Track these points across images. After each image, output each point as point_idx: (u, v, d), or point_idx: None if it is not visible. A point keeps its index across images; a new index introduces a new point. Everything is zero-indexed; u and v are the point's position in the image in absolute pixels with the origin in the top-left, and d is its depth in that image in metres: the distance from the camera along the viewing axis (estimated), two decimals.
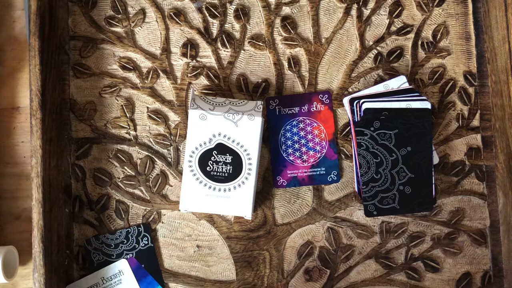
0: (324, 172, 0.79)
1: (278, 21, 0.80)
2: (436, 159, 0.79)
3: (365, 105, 0.76)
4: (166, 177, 0.79)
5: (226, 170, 0.73)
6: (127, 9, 0.80)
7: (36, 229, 0.70)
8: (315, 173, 0.79)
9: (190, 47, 0.80)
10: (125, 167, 0.79)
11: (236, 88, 0.80)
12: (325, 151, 0.79)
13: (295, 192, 0.79)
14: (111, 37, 0.80)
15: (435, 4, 0.81)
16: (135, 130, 0.79)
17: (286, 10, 0.80)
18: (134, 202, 0.79)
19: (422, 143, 0.76)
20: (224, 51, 0.80)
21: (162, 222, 0.79)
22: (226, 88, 0.80)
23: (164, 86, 0.80)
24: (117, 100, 0.79)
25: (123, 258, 0.78)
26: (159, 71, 0.80)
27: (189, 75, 0.80)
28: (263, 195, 0.79)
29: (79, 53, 0.79)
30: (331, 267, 0.79)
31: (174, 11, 0.80)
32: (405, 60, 0.80)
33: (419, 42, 0.80)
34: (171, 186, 0.79)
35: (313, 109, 0.79)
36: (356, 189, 0.79)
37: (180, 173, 0.79)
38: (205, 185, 0.73)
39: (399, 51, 0.80)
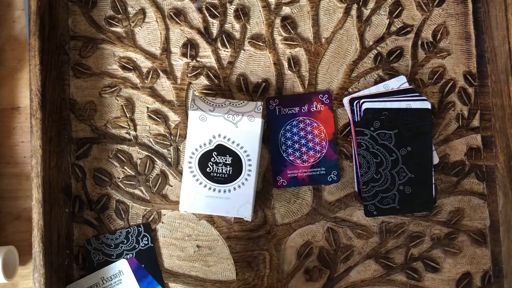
0: (324, 172, 0.79)
1: (278, 21, 0.80)
2: (436, 159, 0.79)
3: (365, 105, 0.76)
4: (166, 177, 0.79)
5: (226, 171, 0.73)
6: (127, 9, 0.80)
7: (36, 229, 0.70)
8: (315, 173, 0.79)
9: (190, 47, 0.80)
10: (125, 167, 0.79)
11: (236, 88, 0.80)
12: (325, 151, 0.79)
13: (295, 192, 0.79)
14: (111, 37, 0.79)
15: (435, 4, 0.80)
16: (135, 130, 0.79)
17: (286, 10, 0.80)
18: (134, 202, 0.79)
19: (422, 143, 0.76)
20: (224, 51, 0.80)
21: (162, 222, 0.79)
22: (226, 88, 0.79)
23: (164, 86, 0.80)
24: (117, 100, 0.79)
25: (123, 258, 0.78)
26: (159, 71, 0.80)
27: (189, 75, 0.80)
28: (263, 195, 0.79)
29: (79, 53, 0.79)
30: (331, 267, 0.79)
31: (174, 11, 0.80)
32: (405, 60, 0.80)
33: (419, 42, 0.80)
34: (171, 186, 0.79)
35: (313, 109, 0.79)
36: (356, 189, 0.79)
37: (180, 173, 0.79)
38: (205, 186, 0.73)
39: (399, 51, 0.80)
